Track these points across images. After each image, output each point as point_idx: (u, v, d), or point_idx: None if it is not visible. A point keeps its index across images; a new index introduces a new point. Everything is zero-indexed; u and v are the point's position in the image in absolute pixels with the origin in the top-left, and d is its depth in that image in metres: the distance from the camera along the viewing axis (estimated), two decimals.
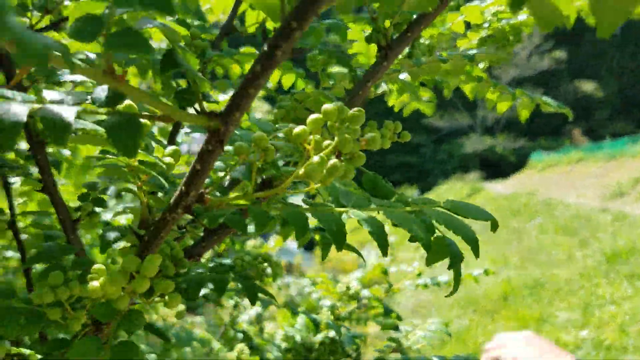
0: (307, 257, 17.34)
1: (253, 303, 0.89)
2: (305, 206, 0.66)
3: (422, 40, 0.92)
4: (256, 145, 0.57)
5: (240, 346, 1.70)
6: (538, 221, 12.70)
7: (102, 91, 0.41)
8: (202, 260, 1.02)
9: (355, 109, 0.54)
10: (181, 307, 1.37)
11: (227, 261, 1.45)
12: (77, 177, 1.52)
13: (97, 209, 0.82)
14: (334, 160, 0.55)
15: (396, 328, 1.34)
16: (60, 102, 0.38)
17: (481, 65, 0.96)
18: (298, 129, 0.56)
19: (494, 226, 0.60)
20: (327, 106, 0.53)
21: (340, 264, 14.49)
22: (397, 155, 39.87)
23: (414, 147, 40.00)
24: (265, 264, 1.46)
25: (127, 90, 0.37)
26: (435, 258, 0.61)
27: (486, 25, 0.97)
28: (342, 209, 0.64)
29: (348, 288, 1.46)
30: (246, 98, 0.44)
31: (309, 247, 18.26)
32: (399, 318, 1.43)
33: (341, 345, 1.38)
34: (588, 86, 38.31)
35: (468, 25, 1.04)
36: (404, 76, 0.93)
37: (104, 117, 0.50)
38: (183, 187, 0.57)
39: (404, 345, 1.51)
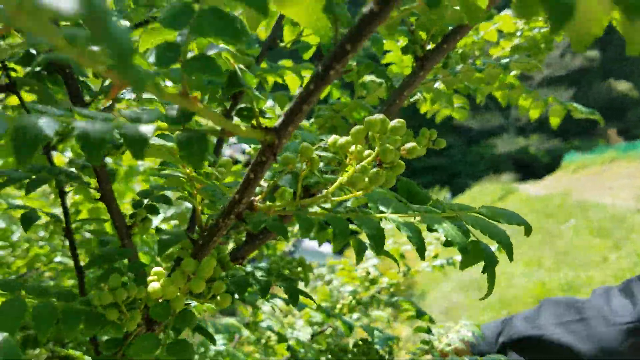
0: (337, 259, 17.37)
1: (295, 305, 0.94)
2: (345, 212, 0.70)
3: (456, 49, 0.95)
4: (302, 155, 0.61)
5: (268, 333, 1.74)
6: (572, 223, 12.48)
7: (172, 109, 0.45)
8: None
9: (397, 120, 0.58)
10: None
11: (264, 265, 1.50)
12: (122, 184, 1.60)
13: (150, 216, 0.87)
14: (376, 169, 0.59)
15: (429, 330, 1.36)
16: (137, 119, 0.42)
17: (513, 73, 0.98)
18: (342, 139, 0.60)
19: (528, 231, 0.63)
20: (370, 117, 0.57)
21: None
22: (427, 157, 39.53)
23: (444, 148, 39.55)
24: (300, 268, 1.51)
25: (199, 110, 0.41)
26: (470, 262, 0.64)
27: (519, 33, 1.00)
28: (381, 215, 0.67)
29: (368, 273, 1.48)
30: (299, 114, 0.48)
31: (338, 251, 18.23)
32: (431, 320, 1.46)
33: (374, 347, 1.42)
34: (622, 86, 37.45)
35: (501, 33, 1.06)
36: (438, 85, 0.96)
37: (167, 132, 0.55)
38: (236, 195, 0.61)
39: (437, 347, 1.53)
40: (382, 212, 0.69)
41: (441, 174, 38.18)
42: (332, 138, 0.63)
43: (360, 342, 1.37)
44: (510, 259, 0.61)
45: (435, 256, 1.64)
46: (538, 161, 34.10)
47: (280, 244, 2.28)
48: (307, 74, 1.01)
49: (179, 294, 0.69)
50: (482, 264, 0.70)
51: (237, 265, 1.01)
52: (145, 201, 0.88)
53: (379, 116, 0.58)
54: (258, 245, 1.04)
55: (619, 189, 15.90)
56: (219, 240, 0.67)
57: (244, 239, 1.07)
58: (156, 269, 0.69)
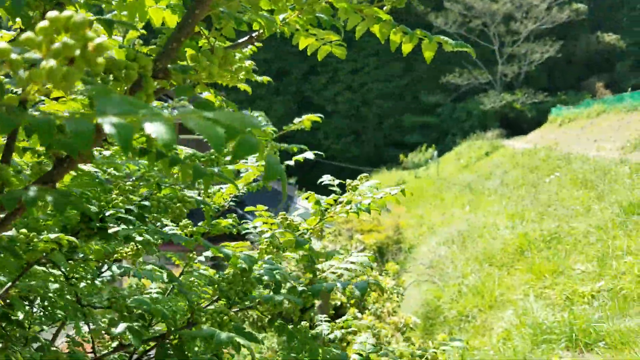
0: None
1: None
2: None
3: None
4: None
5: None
6: (556, 175, 12.64)
7: None
8: None
9: (82, 16, 0.52)
10: None
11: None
12: None
13: None
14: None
15: (312, 261, 1.36)
16: None
17: (385, 8, 0.98)
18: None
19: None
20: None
21: (359, 225, 14.66)
22: (415, 115, 39.53)
23: (431, 106, 39.61)
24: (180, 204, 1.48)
25: None
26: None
27: None
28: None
29: (285, 219, 1.51)
30: None
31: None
32: (311, 249, 1.44)
33: (251, 278, 1.39)
34: (610, 38, 37.31)
35: None
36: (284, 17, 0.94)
37: None
38: None
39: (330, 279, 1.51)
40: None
41: (430, 133, 38.21)
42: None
43: (239, 272, 1.35)
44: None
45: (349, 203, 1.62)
46: (525, 116, 34.19)
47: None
48: None
49: None
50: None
51: None
52: None
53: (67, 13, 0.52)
54: None
55: (604, 142, 16.06)
56: None
57: None
58: None
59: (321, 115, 1.70)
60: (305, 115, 1.75)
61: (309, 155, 1.59)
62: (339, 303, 8.48)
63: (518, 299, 6.76)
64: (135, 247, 1.11)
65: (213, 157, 1.23)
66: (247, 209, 1.55)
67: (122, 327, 0.77)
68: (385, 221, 16.00)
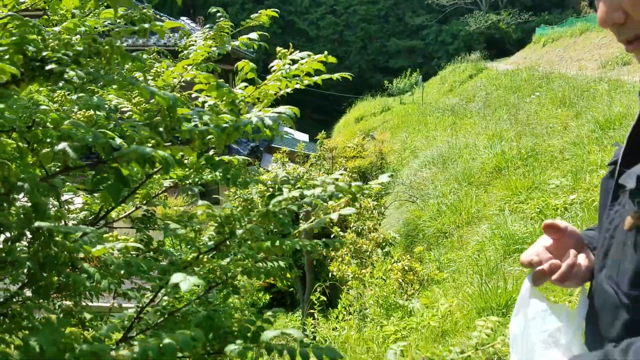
0: (311, 147, 17.70)
1: None
2: None
3: None
4: None
5: None
6: (536, 95, 12.70)
7: None
8: None
9: None
10: None
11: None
12: None
13: None
14: None
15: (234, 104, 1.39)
16: None
17: None
18: None
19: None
20: None
21: (343, 152, 14.78)
22: (400, 39, 38.90)
23: (417, 29, 38.91)
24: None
25: None
26: None
27: None
28: None
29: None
30: None
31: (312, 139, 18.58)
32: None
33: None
34: None
35: None
36: None
37: None
38: None
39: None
40: None
41: (415, 57, 37.76)
42: None
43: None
44: None
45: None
46: (509, 37, 33.77)
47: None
48: None
49: None
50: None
51: None
52: None
53: None
54: None
55: (586, 60, 16.03)
56: None
57: None
58: None
59: (277, 10, 1.70)
60: (289, 41, 1.75)
61: None
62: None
63: (493, 215, 6.98)
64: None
65: None
66: None
67: (63, 145, 0.82)
68: (370, 147, 16.12)
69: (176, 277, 0.94)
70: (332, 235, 8.36)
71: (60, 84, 1.18)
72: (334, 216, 1.46)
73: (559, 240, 1.09)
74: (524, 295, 1.06)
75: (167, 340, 0.74)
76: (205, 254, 1.22)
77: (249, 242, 1.30)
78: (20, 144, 1.02)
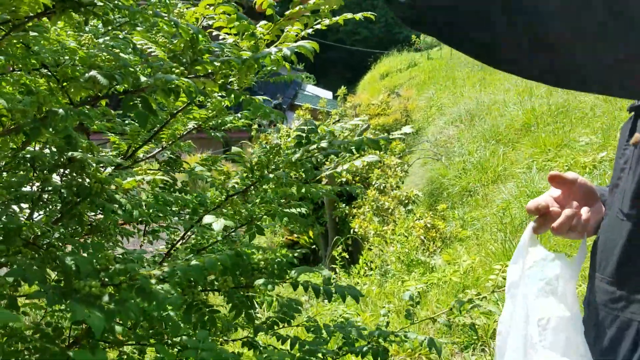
0: (334, 104, 17.54)
1: None
2: None
3: None
4: None
5: None
6: None
7: None
8: None
9: None
10: None
11: None
12: None
13: None
14: None
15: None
16: None
17: None
18: None
19: None
20: None
21: (367, 110, 14.63)
22: None
23: None
24: None
25: None
26: None
27: None
28: None
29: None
30: None
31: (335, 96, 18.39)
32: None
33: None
34: None
35: None
36: None
37: None
38: None
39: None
40: None
41: None
42: None
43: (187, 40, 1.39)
44: None
45: None
46: None
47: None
48: None
49: None
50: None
51: None
52: None
53: None
54: None
55: None
56: None
57: None
58: None
59: None
60: None
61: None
62: (344, 179, 8.72)
63: (520, 172, 6.89)
64: None
65: None
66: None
67: (93, 72, 0.84)
68: (394, 105, 15.90)
69: (208, 218, 0.95)
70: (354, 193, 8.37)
71: (87, 28, 1.18)
72: (358, 163, 1.46)
73: (567, 192, 1.08)
74: (523, 243, 1.06)
75: (194, 262, 0.76)
76: (233, 197, 1.24)
77: (275, 187, 1.31)
78: (50, 83, 1.04)
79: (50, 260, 0.83)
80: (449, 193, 8.02)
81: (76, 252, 0.78)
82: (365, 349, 1.25)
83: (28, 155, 0.97)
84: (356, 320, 3.90)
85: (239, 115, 1.54)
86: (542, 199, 1.08)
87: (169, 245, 1.21)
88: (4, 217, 0.92)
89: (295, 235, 9.42)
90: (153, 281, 0.75)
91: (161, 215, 1.22)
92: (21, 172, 0.99)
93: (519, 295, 1.01)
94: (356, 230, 7.39)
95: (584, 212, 1.04)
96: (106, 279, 0.76)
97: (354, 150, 1.36)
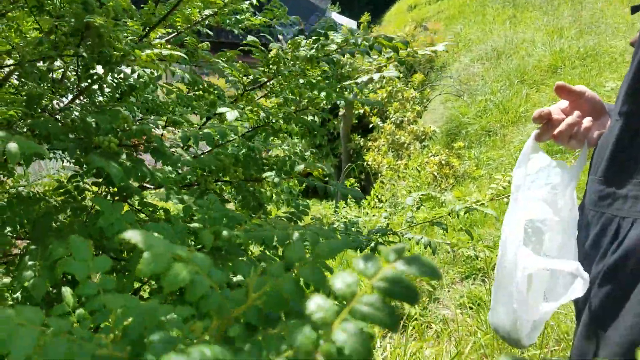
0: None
1: None
2: None
3: None
4: None
5: None
6: None
7: None
8: None
9: None
10: None
11: None
12: None
13: None
14: None
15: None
16: None
17: None
18: None
19: None
20: None
21: None
22: None
23: None
24: None
25: None
26: None
27: None
28: None
29: None
30: None
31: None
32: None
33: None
34: None
35: None
36: None
37: None
38: None
39: None
40: None
41: None
42: None
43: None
44: None
45: None
46: None
47: None
48: None
49: None
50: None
51: None
52: None
53: None
54: None
55: None
56: None
57: None
58: None
59: None
60: None
61: None
62: (362, 111, 8.64)
63: None
64: None
65: None
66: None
67: None
68: (420, 38, 15.49)
69: (223, 108, 0.97)
70: (370, 125, 8.32)
71: None
72: (376, 76, 1.44)
73: (574, 104, 1.09)
74: (526, 150, 1.08)
75: (206, 130, 0.78)
76: (250, 91, 1.25)
77: (292, 86, 1.31)
78: None
79: (70, 122, 0.85)
80: (467, 132, 7.93)
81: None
82: (365, 244, 1.28)
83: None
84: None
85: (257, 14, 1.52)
86: (546, 109, 1.08)
87: (186, 134, 1.22)
88: (28, 85, 0.94)
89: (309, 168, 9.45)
90: (168, 144, 0.78)
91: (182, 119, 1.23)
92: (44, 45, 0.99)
93: (520, 198, 1.05)
94: (369, 163, 7.40)
95: (586, 121, 1.04)
96: (124, 139, 0.79)
97: (369, 51, 1.34)
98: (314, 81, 1.27)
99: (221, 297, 0.36)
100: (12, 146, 0.54)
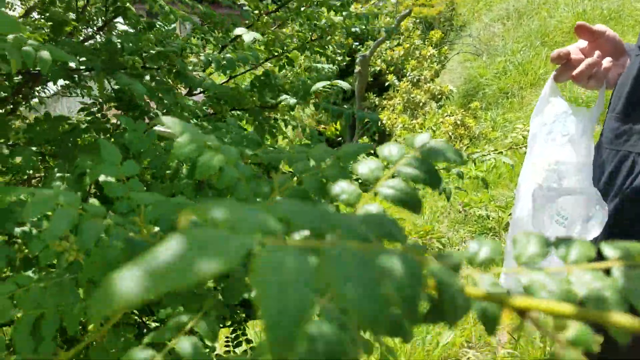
0: None
1: None
2: None
3: None
4: None
5: None
6: None
7: None
8: None
9: None
10: None
11: None
12: None
13: None
14: None
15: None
16: None
17: None
18: None
19: None
20: None
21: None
22: None
23: None
24: None
25: None
26: None
27: None
28: None
29: None
30: None
31: None
32: None
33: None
34: None
35: None
36: None
37: None
38: None
39: None
40: None
41: None
42: None
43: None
44: None
45: None
46: None
47: None
48: None
49: None
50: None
51: None
52: None
53: None
54: None
55: None
56: None
57: None
58: None
59: None
60: None
61: None
62: (378, 69, 8.55)
63: None
64: None
65: None
66: None
67: None
68: None
69: (239, 30, 0.97)
70: (386, 84, 8.24)
71: None
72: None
73: (594, 44, 1.06)
74: (545, 93, 1.07)
75: (228, 55, 0.79)
76: (265, 16, 1.26)
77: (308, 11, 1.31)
78: None
79: (97, 45, 0.88)
80: (485, 93, 7.83)
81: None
82: None
83: None
84: None
85: None
86: (565, 48, 1.06)
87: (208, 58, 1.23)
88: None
89: (322, 126, 9.44)
90: (190, 67, 0.80)
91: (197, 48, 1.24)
92: None
93: (536, 150, 1.05)
94: (384, 122, 7.36)
95: (606, 61, 1.02)
96: (147, 61, 0.80)
97: None
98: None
99: (248, 188, 0.38)
100: (45, 54, 0.55)
